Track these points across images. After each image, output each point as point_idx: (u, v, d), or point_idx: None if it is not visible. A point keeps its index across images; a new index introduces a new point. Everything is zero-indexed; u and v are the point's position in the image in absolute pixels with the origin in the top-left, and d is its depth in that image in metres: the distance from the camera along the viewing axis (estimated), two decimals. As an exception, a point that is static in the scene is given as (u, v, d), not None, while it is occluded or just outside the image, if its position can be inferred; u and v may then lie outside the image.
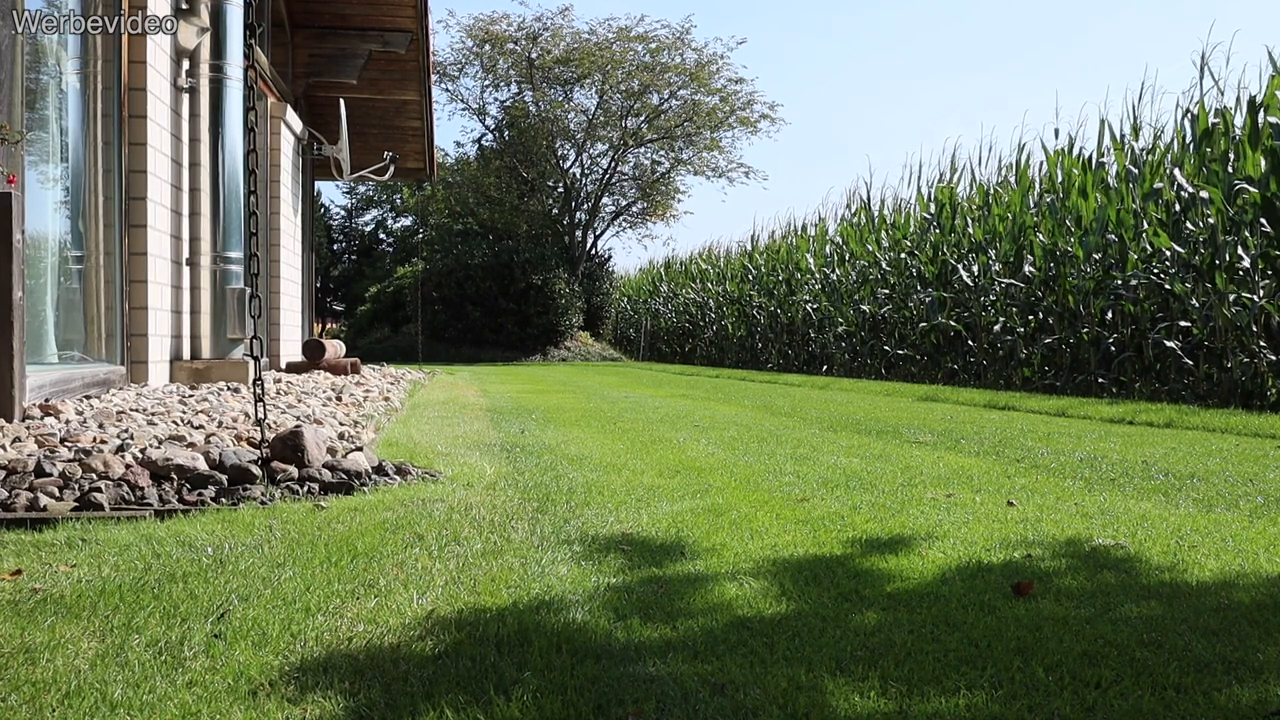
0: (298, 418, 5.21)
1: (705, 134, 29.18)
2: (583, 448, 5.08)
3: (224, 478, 3.43)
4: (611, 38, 28.18)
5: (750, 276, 20.87)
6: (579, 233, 29.99)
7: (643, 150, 29.93)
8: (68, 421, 4.47)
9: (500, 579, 2.40)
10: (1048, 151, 11.94)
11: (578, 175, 30.06)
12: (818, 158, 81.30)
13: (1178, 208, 9.42)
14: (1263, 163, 8.53)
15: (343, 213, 43.12)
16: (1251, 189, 8.49)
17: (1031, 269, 11.43)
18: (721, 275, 23.14)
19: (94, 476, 3.30)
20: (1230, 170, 8.92)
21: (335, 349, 10.52)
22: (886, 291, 14.79)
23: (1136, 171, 10.23)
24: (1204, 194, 8.97)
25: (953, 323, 12.77)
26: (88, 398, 5.50)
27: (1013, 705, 1.67)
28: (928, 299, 13.24)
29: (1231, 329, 8.58)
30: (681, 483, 3.91)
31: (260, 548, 2.65)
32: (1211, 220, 8.88)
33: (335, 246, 42.55)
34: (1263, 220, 8.43)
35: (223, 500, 3.27)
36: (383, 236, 42.38)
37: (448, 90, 29.55)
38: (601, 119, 28.94)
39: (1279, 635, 2.02)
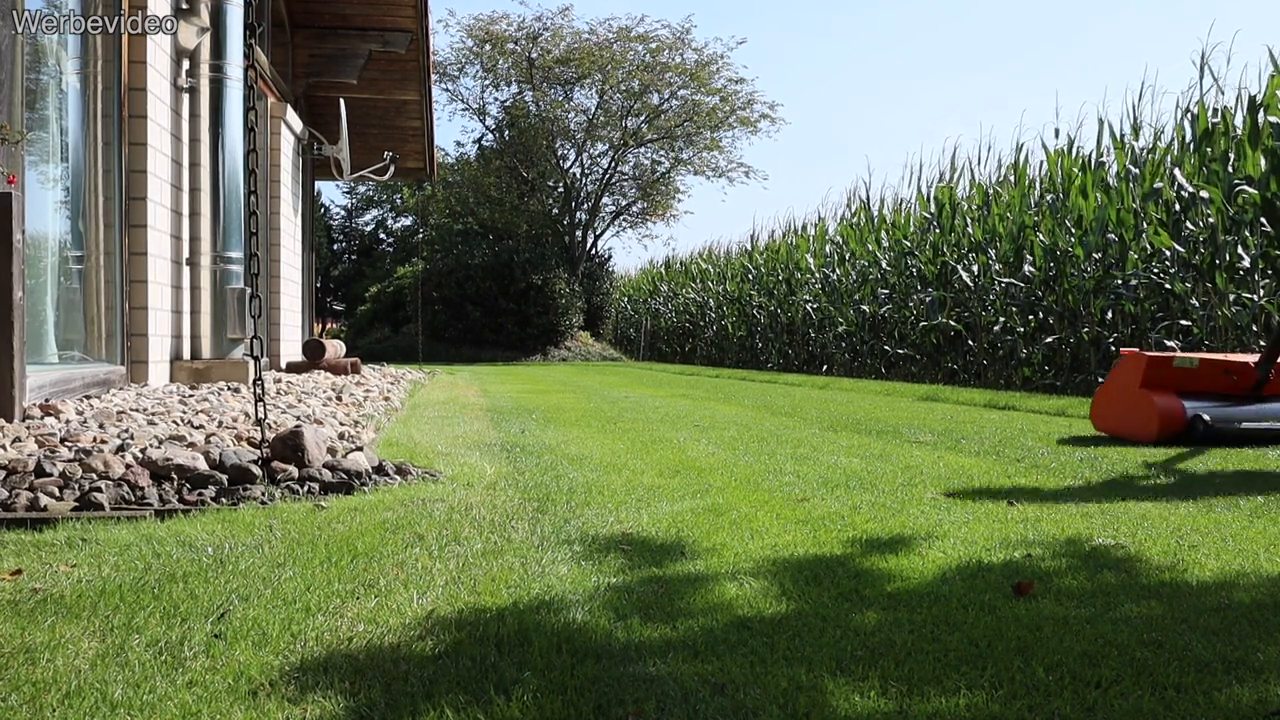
0: (298, 418, 5.21)
1: (705, 134, 29.21)
2: (583, 448, 5.08)
3: (224, 478, 3.43)
4: (611, 38, 28.20)
5: (750, 276, 20.86)
6: (579, 233, 30.00)
7: (643, 150, 29.96)
8: (68, 421, 4.47)
9: (500, 579, 2.40)
10: (1048, 151, 11.93)
11: (578, 175, 30.09)
12: (818, 158, 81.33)
13: (1178, 207, 9.42)
14: (1263, 162, 8.53)
15: (343, 213, 43.18)
16: (1251, 189, 8.49)
17: (1031, 269, 11.42)
18: (721, 275, 23.14)
19: (94, 476, 3.30)
20: (1230, 170, 8.92)
21: (335, 349, 10.53)
22: (886, 291, 14.78)
23: (1136, 171, 10.23)
24: (1204, 194, 8.97)
25: (953, 323, 12.76)
26: (88, 398, 5.50)
27: (1013, 705, 1.67)
28: (928, 299, 13.24)
29: (1231, 329, 8.57)
30: (682, 482, 3.91)
31: (260, 548, 2.65)
32: (1211, 220, 8.88)
33: (335, 246, 42.57)
34: (1263, 220, 8.44)
35: (223, 500, 3.27)
36: (383, 236, 42.41)
37: (448, 90, 29.59)
38: (601, 119, 28.96)
39: (1279, 635, 2.02)
